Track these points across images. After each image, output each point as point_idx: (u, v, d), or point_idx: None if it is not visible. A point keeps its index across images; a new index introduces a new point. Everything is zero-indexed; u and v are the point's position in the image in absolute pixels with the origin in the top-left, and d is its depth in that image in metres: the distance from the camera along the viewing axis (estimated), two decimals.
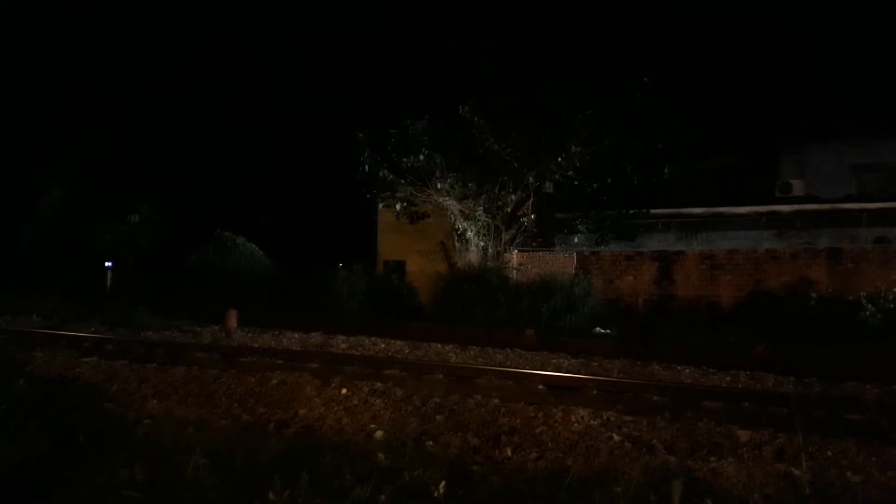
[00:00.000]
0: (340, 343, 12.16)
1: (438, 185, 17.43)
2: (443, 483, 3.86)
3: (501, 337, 12.40)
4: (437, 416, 6.63)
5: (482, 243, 17.47)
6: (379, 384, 7.99)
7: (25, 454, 5.06)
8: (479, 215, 17.51)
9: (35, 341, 11.38)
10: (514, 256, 17.36)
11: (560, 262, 16.47)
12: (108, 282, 21.91)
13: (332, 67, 24.32)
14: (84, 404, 7.11)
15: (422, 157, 17.19)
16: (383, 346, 11.84)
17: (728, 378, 9.07)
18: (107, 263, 22.54)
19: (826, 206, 18.01)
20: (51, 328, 13.34)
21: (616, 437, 5.91)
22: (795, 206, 18.42)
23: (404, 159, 17.20)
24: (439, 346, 11.76)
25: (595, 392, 7.74)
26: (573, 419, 6.46)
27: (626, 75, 16.17)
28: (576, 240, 19.11)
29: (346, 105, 21.79)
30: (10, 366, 8.47)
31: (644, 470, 4.84)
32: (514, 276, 16.13)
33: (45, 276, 23.84)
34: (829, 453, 5.34)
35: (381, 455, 4.68)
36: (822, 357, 10.03)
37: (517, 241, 17.49)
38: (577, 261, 16.97)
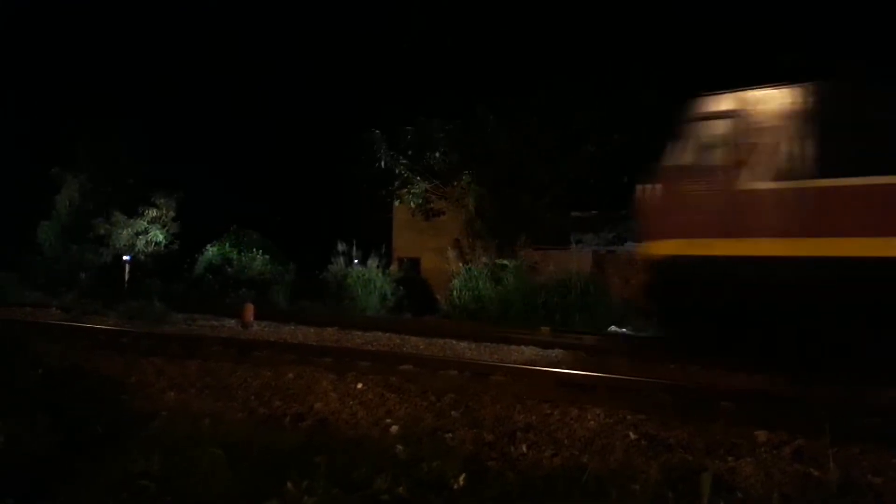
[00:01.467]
0: (356, 338, 12.18)
1: (454, 183, 17.43)
2: (462, 476, 3.84)
3: (516, 334, 12.37)
4: (453, 412, 6.62)
5: (497, 240, 17.45)
6: (394, 379, 7.99)
7: (42, 444, 5.10)
8: (495, 212, 17.50)
9: (53, 334, 11.49)
10: (530, 254, 17.31)
11: (575, 260, 16.41)
12: (126, 275, 22.09)
13: (346, 67, 24.44)
14: (100, 396, 7.16)
15: (438, 154, 17.21)
16: (398, 341, 11.84)
17: (745, 378, 8.97)
18: (124, 257, 22.74)
19: None
20: (69, 321, 13.47)
21: (632, 435, 5.86)
22: None
23: (421, 156, 17.25)
24: (454, 342, 11.74)
25: (610, 390, 7.69)
26: (588, 417, 6.42)
27: (627, 75, 16.12)
28: (592, 238, 19.05)
29: (361, 104, 21.91)
30: (29, 357, 8.57)
31: (661, 468, 4.80)
32: (529, 273, 16.09)
33: (64, 269, 24.12)
34: (850, 454, 5.27)
35: (399, 447, 4.67)
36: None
37: (533, 238, 17.46)
38: (593, 259, 16.90)
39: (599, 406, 6.77)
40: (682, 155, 9.67)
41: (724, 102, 9.49)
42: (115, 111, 26.49)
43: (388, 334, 12.52)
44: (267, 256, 22.20)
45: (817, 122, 8.68)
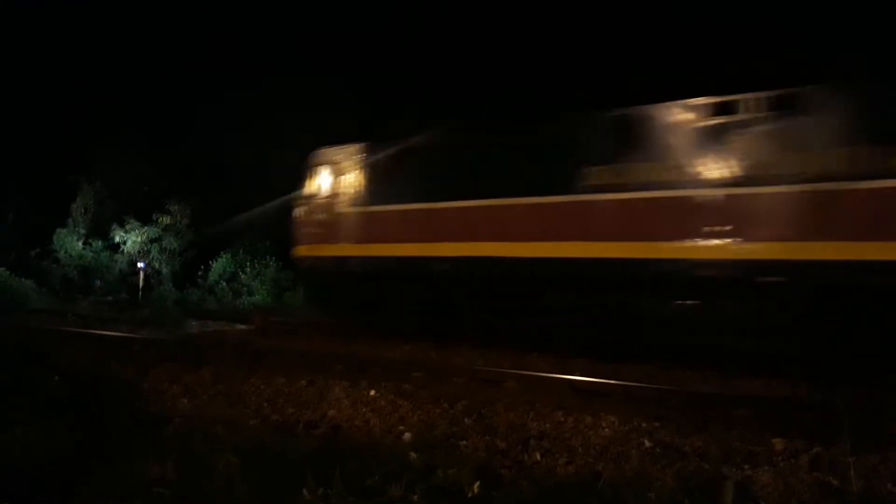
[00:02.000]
0: (366, 345, 12.16)
1: None
2: (477, 483, 3.82)
3: (529, 341, 12.30)
4: (466, 419, 6.59)
5: None
6: (407, 386, 7.99)
7: (58, 449, 5.13)
8: None
9: (69, 340, 11.58)
10: None
11: None
12: (140, 282, 22.23)
13: (351, 67, 24.52)
14: (115, 402, 7.20)
15: None
16: (409, 348, 11.82)
17: (761, 384, 8.89)
18: (139, 264, 22.89)
19: None
20: (84, 327, 13.56)
21: (647, 443, 5.82)
22: None
23: None
24: (466, 349, 11.70)
25: (624, 397, 7.64)
26: (603, 424, 6.38)
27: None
28: None
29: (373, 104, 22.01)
30: (46, 364, 8.64)
31: (676, 476, 4.76)
32: None
33: (80, 276, 24.31)
34: (869, 463, 5.20)
35: (412, 455, 4.66)
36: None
37: None
38: None
39: (613, 413, 6.73)
40: (310, 188, 13.88)
41: (328, 154, 13.72)
42: (128, 118, 26.69)
43: (399, 341, 12.49)
44: (280, 263, 22.28)
45: (366, 170, 13.08)
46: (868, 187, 8.23)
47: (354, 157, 13.15)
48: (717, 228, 9.18)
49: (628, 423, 6.41)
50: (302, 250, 14.19)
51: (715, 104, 9.54)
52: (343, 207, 13.15)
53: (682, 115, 9.76)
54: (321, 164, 13.65)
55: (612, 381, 8.43)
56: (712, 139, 9.42)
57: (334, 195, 13.30)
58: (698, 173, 9.46)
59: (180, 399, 7.60)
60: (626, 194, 9.84)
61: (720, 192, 9.23)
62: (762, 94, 9.22)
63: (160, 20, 29.94)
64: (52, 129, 28.10)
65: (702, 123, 9.54)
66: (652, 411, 6.86)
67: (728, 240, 9.11)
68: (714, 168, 9.35)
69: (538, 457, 5.53)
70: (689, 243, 9.35)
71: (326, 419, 6.71)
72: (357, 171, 13.07)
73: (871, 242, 8.18)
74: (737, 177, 9.17)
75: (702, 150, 9.50)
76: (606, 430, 6.23)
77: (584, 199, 10.15)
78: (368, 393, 7.58)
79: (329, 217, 13.32)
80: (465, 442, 5.85)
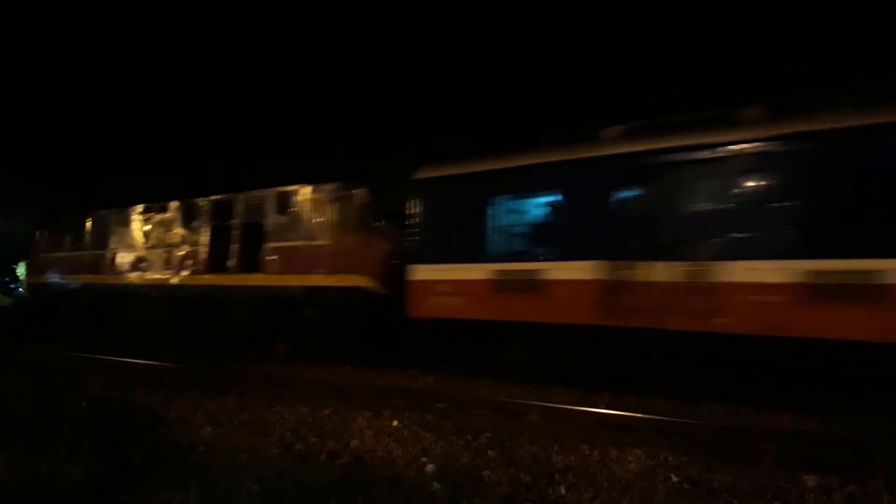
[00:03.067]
0: (390, 375, 12.13)
1: None
2: None
3: (552, 373, 12.17)
4: (489, 452, 6.53)
5: None
6: (430, 417, 7.94)
7: (84, 475, 5.17)
8: None
9: (98, 368, 11.73)
10: None
11: None
12: None
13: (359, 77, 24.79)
14: (140, 429, 7.25)
15: None
16: (433, 379, 11.76)
17: (789, 419, 8.70)
18: None
19: None
20: (113, 356, 13.69)
21: (674, 478, 5.71)
22: None
23: None
24: (489, 380, 11.62)
25: (650, 431, 7.52)
26: (629, 458, 6.29)
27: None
28: None
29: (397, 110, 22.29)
30: (73, 391, 8.74)
31: None
32: None
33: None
34: None
35: (435, 486, 4.62)
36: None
37: None
38: None
39: (639, 447, 6.63)
40: (37, 239, 21.41)
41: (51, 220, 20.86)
42: (146, 148, 27.31)
43: (422, 371, 12.43)
44: None
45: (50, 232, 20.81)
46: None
47: (53, 222, 20.49)
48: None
49: (655, 457, 6.31)
50: (27, 279, 22.32)
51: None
52: (42, 252, 20.66)
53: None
54: (42, 226, 21.18)
55: (638, 415, 8.29)
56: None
57: (40, 246, 20.85)
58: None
59: (204, 427, 7.63)
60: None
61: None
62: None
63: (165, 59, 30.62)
64: (66, 159, 28.76)
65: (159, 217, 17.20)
66: (679, 445, 6.75)
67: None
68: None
69: (563, 491, 5.46)
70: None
71: (349, 449, 6.69)
72: (48, 232, 20.60)
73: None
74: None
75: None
76: (632, 464, 6.13)
77: (102, 252, 18.46)
78: (391, 423, 7.55)
79: (38, 259, 20.83)
80: (488, 474, 5.79)
